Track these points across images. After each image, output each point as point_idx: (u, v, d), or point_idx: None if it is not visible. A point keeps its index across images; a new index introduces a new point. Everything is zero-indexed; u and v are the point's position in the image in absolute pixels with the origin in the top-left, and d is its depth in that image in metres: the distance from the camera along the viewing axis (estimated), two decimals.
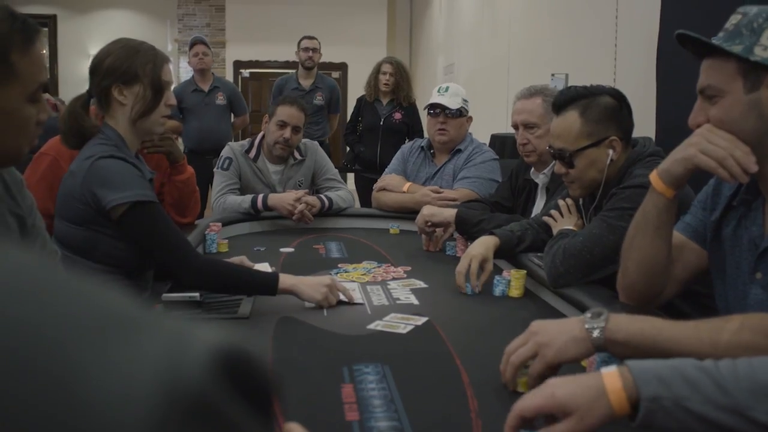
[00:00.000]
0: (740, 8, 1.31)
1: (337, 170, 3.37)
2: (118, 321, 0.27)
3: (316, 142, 3.42)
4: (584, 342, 1.15)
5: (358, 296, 1.88)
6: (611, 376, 0.92)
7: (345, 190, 3.22)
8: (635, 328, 1.14)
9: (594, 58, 4.34)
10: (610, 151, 1.83)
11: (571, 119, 1.86)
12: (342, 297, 1.81)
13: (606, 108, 1.85)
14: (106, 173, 1.76)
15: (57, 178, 2.45)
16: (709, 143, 1.32)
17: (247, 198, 2.96)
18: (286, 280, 1.77)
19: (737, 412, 0.88)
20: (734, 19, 1.30)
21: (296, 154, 3.22)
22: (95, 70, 1.86)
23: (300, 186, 3.19)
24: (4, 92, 1.20)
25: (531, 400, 0.93)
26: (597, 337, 1.14)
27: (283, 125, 3.09)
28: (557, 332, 1.18)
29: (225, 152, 3.17)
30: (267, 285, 1.76)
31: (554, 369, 1.20)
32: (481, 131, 5.18)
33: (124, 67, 1.84)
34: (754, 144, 1.29)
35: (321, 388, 1.26)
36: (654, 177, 1.43)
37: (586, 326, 1.15)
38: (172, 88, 1.98)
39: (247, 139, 3.28)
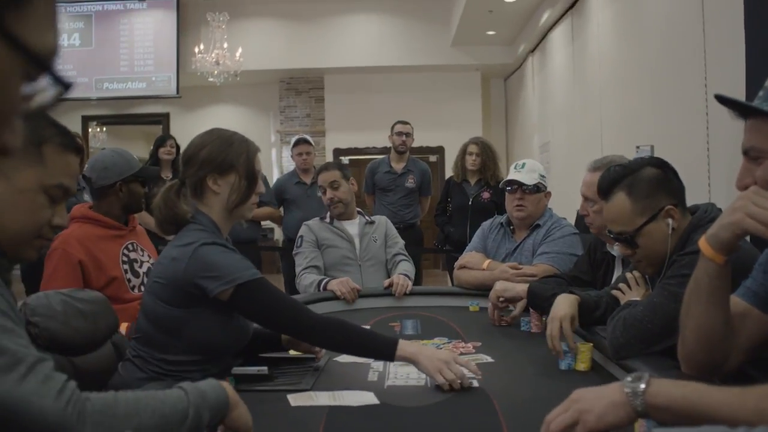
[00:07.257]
0: None
1: (404, 242, 3.60)
2: None
3: (384, 217, 3.66)
4: (624, 407, 1.13)
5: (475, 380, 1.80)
6: None
7: (410, 263, 3.44)
8: (677, 393, 1.11)
9: (684, 127, 4.26)
10: (670, 221, 1.79)
11: (620, 202, 1.83)
12: (467, 373, 1.76)
13: (651, 180, 1.82)
14: (208, 260, 1.81)
15: (71, 265, 2.52)
16: (755, 206, 1.29)
17: (315, 280, 3.15)
18: (405, 347, 1.78)
19: None
20: None
21: (365, 216, 3.53)
22: (190, 160, 1.92)
23: (375, 241, 3.46)
24: (26, 172, 1.26)
25: None
26: (636, 400, 1.12)
27: (324, 190, 3.45)
28: (597, 398, 1.16)
29: (299, 233, 3.46)
30: (386, 349, 1.79)
31: None
32: (577, 205, 5.12)
33: (220, 158, 1.90)
34: None
35: None
36: (703, 243, 1.40)
37: (626, 390, 1.13)
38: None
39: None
